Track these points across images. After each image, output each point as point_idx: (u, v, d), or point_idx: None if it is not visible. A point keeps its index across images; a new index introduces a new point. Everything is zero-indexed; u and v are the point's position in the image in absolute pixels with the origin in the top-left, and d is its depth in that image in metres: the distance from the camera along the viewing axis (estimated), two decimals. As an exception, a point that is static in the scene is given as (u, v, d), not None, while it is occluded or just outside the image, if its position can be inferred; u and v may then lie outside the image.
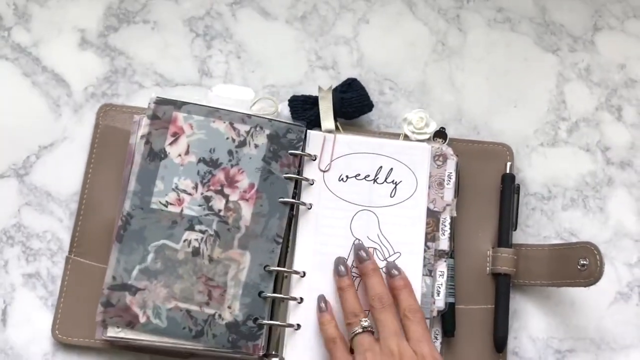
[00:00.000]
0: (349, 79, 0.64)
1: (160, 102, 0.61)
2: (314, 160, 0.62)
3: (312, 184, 0.61)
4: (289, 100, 0.63)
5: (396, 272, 0.55)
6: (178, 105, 0.61)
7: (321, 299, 0.56)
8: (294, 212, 0.61)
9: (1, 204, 0.63)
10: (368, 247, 0.59)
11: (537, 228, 0.64)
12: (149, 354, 0.59)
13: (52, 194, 0.64)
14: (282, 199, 0.60)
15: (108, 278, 0.58)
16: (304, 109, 0.63)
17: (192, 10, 0.69)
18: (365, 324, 0.52)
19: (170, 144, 0.60)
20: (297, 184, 0.61)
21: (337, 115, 0.63)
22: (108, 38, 0.68)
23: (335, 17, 0.69)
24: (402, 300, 0.54)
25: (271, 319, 0.58)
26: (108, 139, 0.64)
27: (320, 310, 0.56)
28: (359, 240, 0.59)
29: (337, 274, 0.56)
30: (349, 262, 0.58)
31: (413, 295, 0.54)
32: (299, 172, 0.61)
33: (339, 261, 0.57)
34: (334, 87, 0.63)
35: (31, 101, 0.66)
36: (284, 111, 0.64)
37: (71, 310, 0.60)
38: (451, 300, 0.59)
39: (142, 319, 0.57)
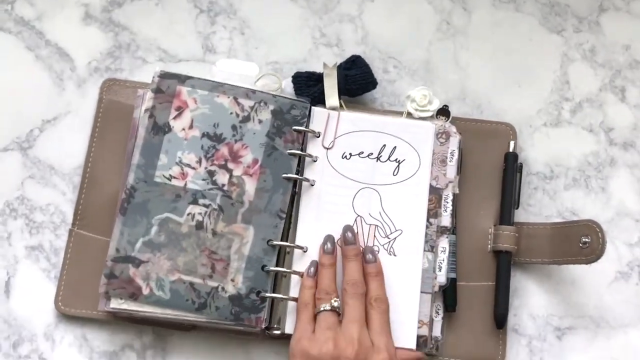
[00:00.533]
0: (353, 56, 0.64)
1: (165, 76, 0.61)
2: (318, 137, 0.62)
3: (315, 161, 0.61)
4: (293, 77, 0.63)
5: (371, 258, 0.56)
6: (182, 79, 0.61)
7: (313, 264, 0.57)
8: (297, 189, 0.61)
9: (5, 177, 0.64)
10: (370, 224, 0.59)
11: (539, 207, 0.64)
12: (152, 326, 0.60)
13: (55, 167, 0.64)
14: (285, 175, 0.60)
15: (111, 250, 0.58)
16: (308, 86, 0.63)
17: (196, -15, 0.69)
18: (335, 304, 0.54)
19: (174, 118, 0.60)
20: (301, 161, 0.61)
21: (340, 93, 0.63)
22: (112, 13, 0.68)
23: (340, -6, 0.69)
24: (372, 288, 0.55)
25: (273, 293, 0.58)
26: (111, 114, 0.64)
27: (307, 273, 0.56)
28: (361, 217, 0.60)
29: (323, 249, 0.56)
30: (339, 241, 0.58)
31: (383, 285, 0.55)
32: (303, 149, 0.61)
33: (328, 238, 0.57)
34: (338, 64, 0.63)
35: (35, 75, 0.66)
36: (287, 88, 0.64)
37: (74, 282, 0.61)
38: (452, 275, 0.60)
39: (145, 291, 0.57)
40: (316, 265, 0.57)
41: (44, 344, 0.60)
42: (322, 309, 0.53)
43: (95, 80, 0.66)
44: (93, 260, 0.60)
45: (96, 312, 0.59)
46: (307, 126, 0.61)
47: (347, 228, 0.57)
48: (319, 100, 0.62)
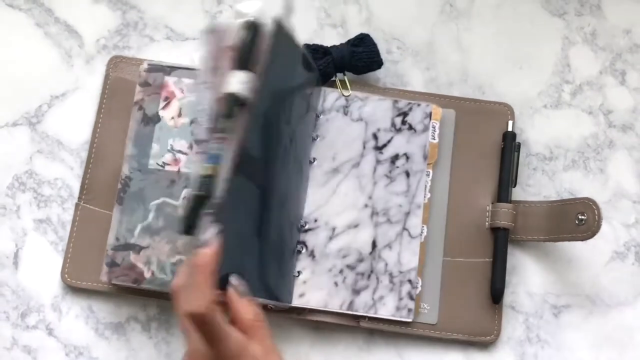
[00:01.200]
0: (361, 34, 0.65)
1: (151, 69, 0.62)
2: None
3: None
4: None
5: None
6: (167, 71, 0.62)
7: None
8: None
9: (14, 151, 0.65)
10: None
11: (538, 187, 0.65)
12: (156, 299, 0.61)
13: (63, 142, 0.65)
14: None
15: (111, 240, 0.59)
16: (315, 58, 0.63)
17: (203, -35, 0.69)
18: None
19: (163, 108, 0.62)
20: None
21: (345, 69, 0.64)
22: (120, -9, 0.69)
23: (345, -25, 0.70)
24: None
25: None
26: (117, 90, 0.65)
27: None
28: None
29: None
30: None
31: None
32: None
33: None
34: (347, 41, 0.64)
35: (43, 52, 0.67)
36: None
37: (80, 255, 0.62)
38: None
39: (147, 275, 0.58)
40: None
41: (51, 314, 0.62)
42: None
43: (103, 58, 0.67)
44: (99, 234, 0.61)
45: (101, 284, 0.61)
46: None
47: None
48: (324, 73, 0.63)
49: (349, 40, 0.64)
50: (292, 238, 0.60)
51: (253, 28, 0.51)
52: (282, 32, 0.54)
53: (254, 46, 0.51)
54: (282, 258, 0.58)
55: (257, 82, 0.50)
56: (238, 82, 0.50)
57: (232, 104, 0.50)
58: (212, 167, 0.48)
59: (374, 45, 0.64)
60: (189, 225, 0.47)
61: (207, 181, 0.48)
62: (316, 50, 0.64)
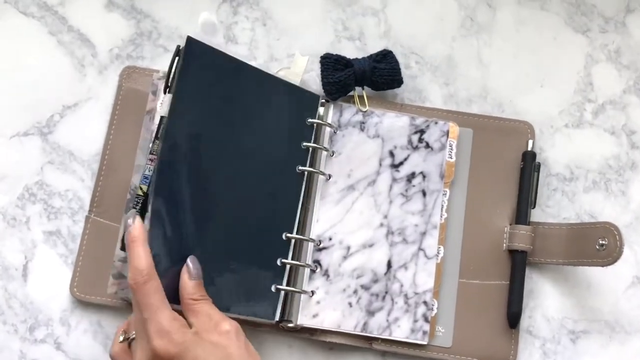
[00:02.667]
0: (385, 50, 0.63)
1: (163, 77, 0.61)
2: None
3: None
4: (322, 57, 0.63)
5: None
6: None
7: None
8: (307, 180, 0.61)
9: (25, 161, 0.64)
10: None
11: (558, 209, 0.63)
12: (166, 315, 0.60)
13: (74, 153, 0.64)
14: (301, 168, 0.60)
15: (118, 251, 0.58)
16: (335, 69, 0.62)
17: (219, -25, 0.68)
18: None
19: None
20: (314, 153, 0.61)
21: (365, 83, 0.62)
22: (135, 0, 0.68)
23: (363, -13, 0.68)
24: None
25: (287, 286, 0.59)
26: (130, 101, 0.64)
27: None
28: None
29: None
30: None
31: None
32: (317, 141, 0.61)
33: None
34: (370, 55, 0.63)
35: (56, 60, 0.66)
36: (310, 81, 0.64)
37: (90, 269, 0.61)
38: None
39: (156, 285, 0.58)
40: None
41: (60, 328, 0.61)
42: None
43: (116, 67, 0.66)
44: (109, 248, 0.60)
45: (111, 299, 0.60)
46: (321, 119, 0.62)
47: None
48: (344, 85, 0.62)
49: (371, 55, 0.63)
50: (270, 248, 0.58)
51: (178, 52, 0.55)
52: (196, 51, 0.55)
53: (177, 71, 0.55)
54: (249, 268, 0.57)
55: (170, 99, 0.54)
56: (165, 105, 0.54)
57: (160, 126, 0.55)
58: (147, 187, 0.54)
59: (397, 62, 0.63)
60: (122, 241, 0.54)
61: (143, 200, 0.54)
62: (337, 61, 0.63)
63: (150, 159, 0.56)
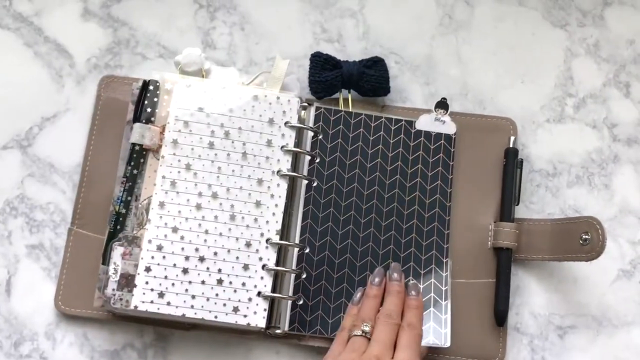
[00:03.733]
0: (377, 57, 0.63)
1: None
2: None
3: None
4: (312, 55, 0.63)
5: (414, 294, 0.56)
6: None
7: (359, 291, 0.57)
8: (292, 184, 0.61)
9: (4, 175, 0.63)
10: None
11: (542, 205, 0.63)
12: (152, 325, 0.60)
13: (55, 165, 0.64)
14: (282, 172, 0.60)
15: (102, 265, 0.58)
16: (324, 68, 0.62)
17: (195, -20, 0.68)
18: (366, 328, 0.53)
19: None
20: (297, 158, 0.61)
21: (352, 87, 0.62)
22: (111, 8, 0.67)
23: (340, -11, 0.68)
24: (407, 316, 0.54)
25: (273, 292, 0.58)
26: (109, 111, 0.64)
27: (352, 302, 0.56)
28: None
29: (371, 281, 0.56)
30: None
31: (419, 317, 0.55)
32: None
33: (378, 272, 0.57)
34: (361, 60, 0.63)
35: (33, 72, 0.66)
36: (290, 84, 0.63)
37: (74, 282, 0.61)
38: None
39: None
40: (362, 292, 0.57)
41: (45, 343, 0.60)
42: (353, 334, 0.53)
43: (95, 77, 0.65)
44: (93, 260, 0.60)
45: (96, 311, 0.59)
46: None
47: (395, 268, 0.57)
48: (329, 86, 0.62)
49: (362, 60, 0.63)
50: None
51: (144, 85, 0.60)
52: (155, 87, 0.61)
53: (145, 101, 0.60)
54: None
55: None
56: (135, 132, 0.59)
57: (131, 152, 0.59)
58: (118, 206, 0.59)
59: (386, 71, 0.63)
60: (103, 256, 0.58)
61: (115, 218, 0.58)
62: (327, 61, 0.62)
63: (122, 182, 0.59)
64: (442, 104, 0.63)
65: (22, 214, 0.63)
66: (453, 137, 0.62)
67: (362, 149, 0.61)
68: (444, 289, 0.59)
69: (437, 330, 0.58)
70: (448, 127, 0.62)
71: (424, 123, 0.62)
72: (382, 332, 0.52)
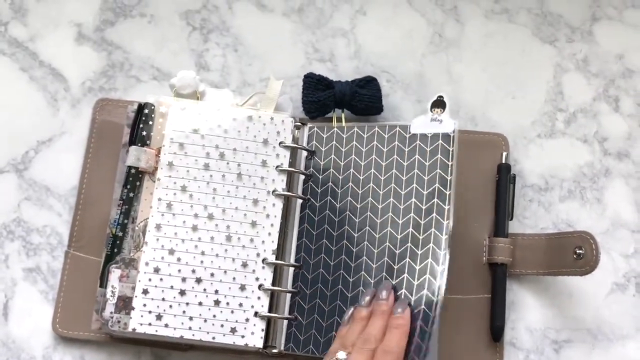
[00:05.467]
0: (370, 77, 0.64)
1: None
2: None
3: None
4: (305, 76, 0.63)
5: (400, 311, 0.53)
6: None
7: (350, 310, 0.55)
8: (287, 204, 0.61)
9: (1, 199, 0.64)
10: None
11: (535, 219, 0.64)
12: (150, 347, 0.60)
13: (51, 188, 0.64)
14: (277, 192, 0.60)
15: (99, 288, 0.58)
16: (317, 89, 0.63)
17: (188, 3, 0.69)
18: (342, 357, 0.51)
19: None
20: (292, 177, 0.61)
21: (345, 106, 0.63)
22: (105, 32, 0.68)
23: (332, 9, 0.69)
24: (386, 340, 0.52)
25: (269, 312, 0.59)
26: (105, 134, 0.64)
27: (342, 322, 0.55)
28: None
29: (361, 301, 0.55)
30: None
31: (400, 338, 0.52)
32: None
33: (369, 292, 0.56)
34: (354, 79, 0.64)
35: (29, 96, 0.66)
36: (284, 105, 0.64)
37: (71, 304, 0.61)
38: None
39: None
40: (352, 312, 0.55)
41: (43, 366, 0.61)
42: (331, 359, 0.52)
43: (89, 100, 0.66)
44: (90, 282, 0.60)
45: (94, 333, 0.60)
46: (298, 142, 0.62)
47: (385, 286, 0.55)
48: (322, 105, 0.63)
49: (355, 80, 0.64)
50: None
51: (139, 109, 0.61)
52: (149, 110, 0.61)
53: (141, 124, 0.61)
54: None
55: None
56: (131, 155, 0.59)
57: (127, 174, 0.59)
58: (115, 229, 0.59)
59: (379, 90, 0.63)
60: (101, 279, 0.58)
61: (112, 241, 0.59)
62: (319, 82, 0.63)
63: (118, 205, 0.59)
64: (439, 103, 0.60)
65: (19, 238, 0.63)
66: (452, 135, 0.58)
67: (355, 162, 0.61)
68: (435, 299, 0.55)
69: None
70: (446, 125, 0.59)
71: (419, 125, 0.60)
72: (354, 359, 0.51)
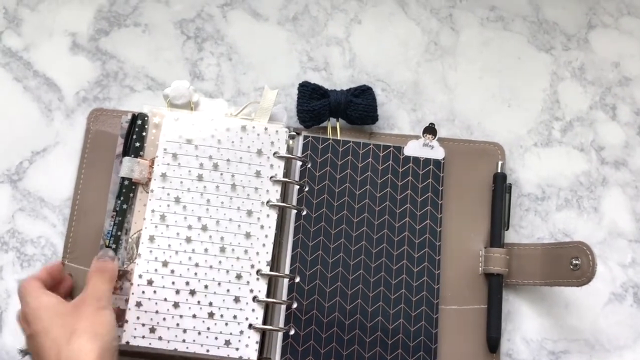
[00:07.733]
0: (365, 86, 0.64)
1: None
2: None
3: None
4: (300, 84, 0.63)
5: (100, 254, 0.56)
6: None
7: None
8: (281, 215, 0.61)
9: (-5, 210, 0.64)
10: None
11: (531, 229, 0.64)
12: None
13: (45, 199, 0.64)
14: (272, 203, 0.60)
15: None
16: (312, 97, 0.63)
17: (182, 12, 0.68)
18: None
19: None
20: (286, 187, 0.61)
21: (340, 115, 0.63)
22: (99, 42, 0.68)
23: (327, 17, 0.69)
24: None
25: (264, 324, 0.58)
26: (99, 144, 0.64)
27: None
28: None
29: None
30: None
31: (99, 280, 0.53)
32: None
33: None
34: (349, 89, 0.64)
35: (23, 106, 0.66)
36: (278, 114, 0.64)
37: (66, 316, 0.61)
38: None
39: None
40: None
41: (37, 378, 0.60)
42: None
43: (84, 110, 0.66)
44: (84, 294, 0.60)
45: (88, 346, 0.59)
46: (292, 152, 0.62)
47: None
48: (317, 115, 0.62)
49: (350, 89, 0.63)
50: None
51: (133, 119, 0.61)
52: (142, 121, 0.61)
53: (134, 135, 0.60)
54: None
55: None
56: (125, 166, 0.59)
57: (121, 186, 0.59)
58: (108, 240, 0.59)
59: (374, 100, 0.63)
60: None
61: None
62: (315, 91, 0.63)
63: (112, 216, 0.59)
64: (430, 129, 0.63)
65: (13, 249, 0.63)
66: (442, 162, 0.62)
67: (351, 176, 0.62)
68: (434, 316, 0.59)
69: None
70: (436, 152, 0.63)
71: (413, 149, 0.63)
72: None
